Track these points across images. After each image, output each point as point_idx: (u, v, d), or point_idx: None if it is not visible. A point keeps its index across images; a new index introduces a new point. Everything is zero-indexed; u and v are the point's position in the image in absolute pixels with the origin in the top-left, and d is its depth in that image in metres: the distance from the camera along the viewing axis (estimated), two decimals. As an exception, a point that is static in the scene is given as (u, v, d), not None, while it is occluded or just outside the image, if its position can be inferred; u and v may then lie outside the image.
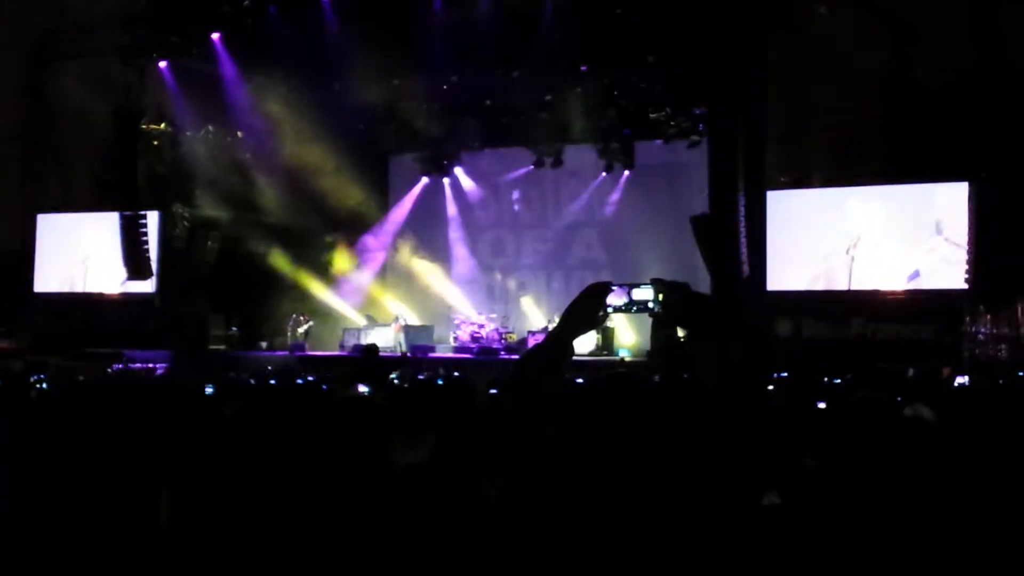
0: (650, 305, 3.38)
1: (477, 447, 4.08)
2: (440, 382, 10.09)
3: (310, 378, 9.44)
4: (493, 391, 8.09)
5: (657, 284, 3.33)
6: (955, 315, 17.21)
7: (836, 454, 3.86)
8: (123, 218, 20.86)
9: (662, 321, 3.38)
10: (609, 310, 3.37)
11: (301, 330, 21.62)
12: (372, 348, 13.84)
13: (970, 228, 17.53)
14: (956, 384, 8.40)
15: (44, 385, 8.30)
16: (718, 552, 2.77)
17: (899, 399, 6.89)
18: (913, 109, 17.58)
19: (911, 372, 10.43)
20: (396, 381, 9.94)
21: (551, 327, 19.70)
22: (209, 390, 8.15)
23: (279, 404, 6.87)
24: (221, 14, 20.07)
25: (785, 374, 11.06)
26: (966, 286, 17.44)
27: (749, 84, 17.89)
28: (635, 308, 3.42)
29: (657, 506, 2.86)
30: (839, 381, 9.60)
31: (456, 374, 11.60)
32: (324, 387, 9.51)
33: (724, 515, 2.96)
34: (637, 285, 3.38)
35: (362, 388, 8.75)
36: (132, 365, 16.01)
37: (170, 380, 10.93)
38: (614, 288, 3.36)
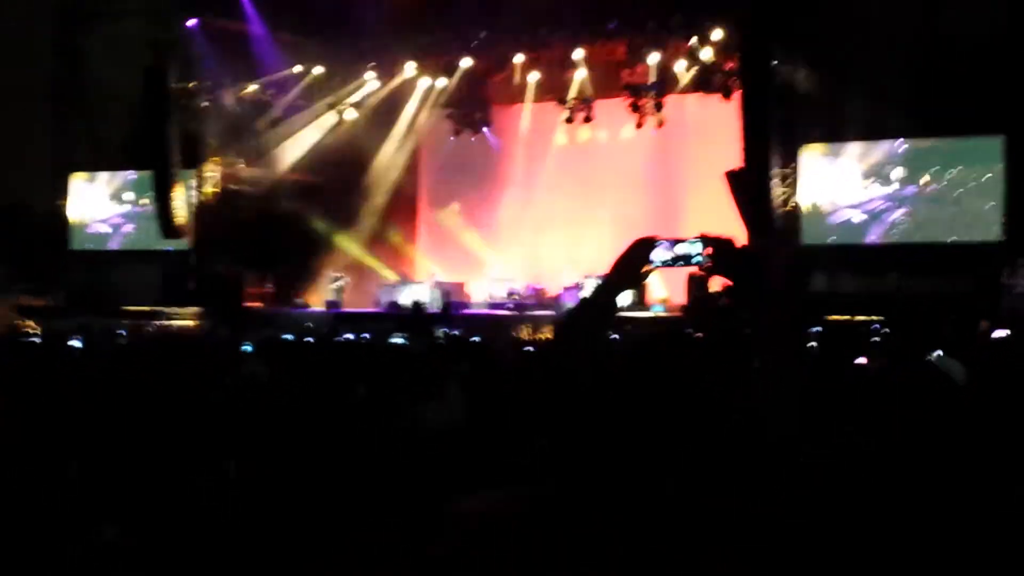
0: (697, 259, 3.37)
1: (512, 407, 4.11)
2: (475, 339, 10.17)
3: (349, 336, 9.52)
4: (527, 348, 8.13)
5: (704, 239, 3.31)
6: (992, 268, 17.05)
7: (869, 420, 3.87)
8: (156, 177, 20.98)
9: (708, 274, 3.37)
10: (655, 265, 3.36)
11: (336, 286, 21.72)
12: (418, 305, 13.92)
13: (1006, 181, 17.39)
14: (994, 337, 8.31)
15: (79, 344, 8.40)
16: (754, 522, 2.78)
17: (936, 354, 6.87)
18: (947, 63, 17.33)
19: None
20: (438, 335, 10.01)
21: (584, 283, 19.81)
22: (248, 348, 8.25)
23: (320, 361, 6.95)
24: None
25: (819, 328, 11.05)
26: (1003, 238, 17.31)
27: (782, 39, 17.72)
28: (680, 262, 3.41)
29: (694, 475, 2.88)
30: (876, 338, 9.57)
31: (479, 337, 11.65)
32: (365, 340, 9.58)
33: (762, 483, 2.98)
34: (682, 240, 3.37)
35: (397, 339, 8.81)
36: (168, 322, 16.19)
37: (208, 338, 11.06)
38: (659, 243, 3.34)
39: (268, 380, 5.28)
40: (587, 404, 3.22)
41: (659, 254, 3.39)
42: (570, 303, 19.77)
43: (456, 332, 12.23)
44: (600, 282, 3.29)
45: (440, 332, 10.70)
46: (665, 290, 19.93)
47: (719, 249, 3.24)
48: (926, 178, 18.14)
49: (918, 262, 17.88)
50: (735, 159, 18.65)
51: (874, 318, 14.53)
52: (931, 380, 3.88)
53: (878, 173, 18.54)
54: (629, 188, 22.49)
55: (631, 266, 3.26)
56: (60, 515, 3.34)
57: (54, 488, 3.38)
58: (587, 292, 19.70)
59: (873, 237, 18.55)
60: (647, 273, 3.35)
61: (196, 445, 3.76)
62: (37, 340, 9.01)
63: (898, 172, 18.41)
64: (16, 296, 19.57)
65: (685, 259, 3.38)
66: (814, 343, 8.72)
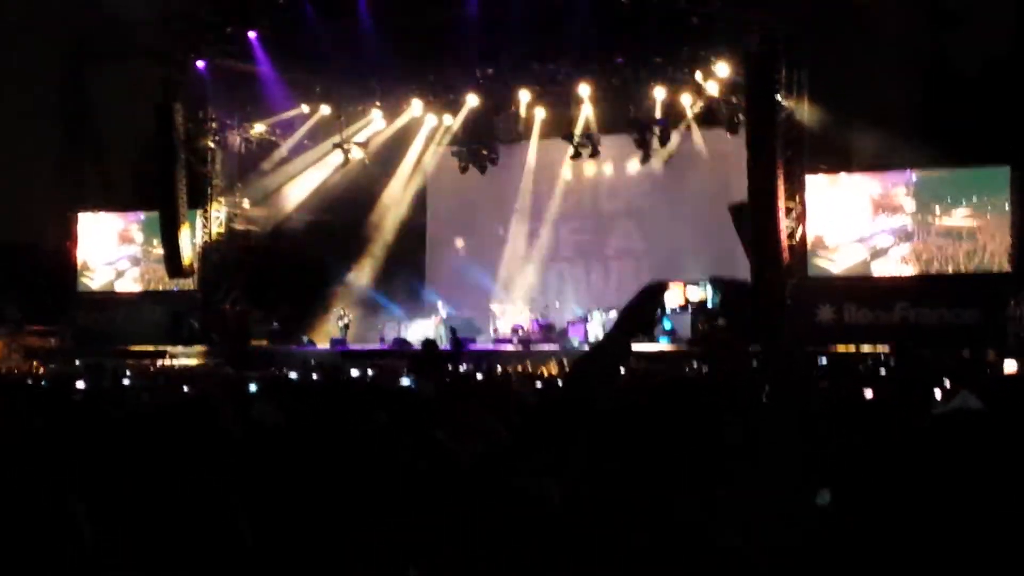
0: (709, 305, 3.37)
1: (529, 445, 4.09)
2: (480, 376, 10.17)
3: (354, 372, 9.50)
4: (539, 385, 8.12)
5: (717, 283, 3.31)
6: (999, 298, 17.03)
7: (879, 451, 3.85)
8: (163, 216, 21.05)
9: (720, 317, 3.39)
10: (667, 311, 3.36)
11: (341, 324, 21.73)
12: (430, 342, 13.90)
13: (1012, 211, 17.40)
14: (1005, 372, 8.26)
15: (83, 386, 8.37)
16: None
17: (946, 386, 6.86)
18: (953, 94, 17.39)
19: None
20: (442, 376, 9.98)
21: (590, 316, 19.80)
22: (252, 388, 8.23)
23: (327, 403, 6.92)
24: (258, 12, 20.21)
25: (824, 360, 11.05)
26: (1009, 268, 17.30)
27: (787, 72, 17.81)
28: (691, 307, 3.41)
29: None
30: (883, 371, 9.55)
31: (498, 367, 11.66)
32: (369, 379, 9.57)
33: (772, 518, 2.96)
34: (695, 283, 3.37)
35: (405, 381, 8.79)
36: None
37: (215, 379, 11.03)
38: (672, 287, 3.34)
39: (279, 424, 5.24)
40: (601, 444, 3.22)
41: (670, 298, 3.39)
42: (576, 337, 19.76)
43: (464, 369, 12.24)
44: (612, 327, 3.28)
45: (443, 369, 10.69)
46: (670, 321, 19.91)
47: (731, 292, 3.24)
48: (934, 208, 18.13)
49: (925, 293, 17.85)
50: (740, 192, 18.68)
51: (879, 349, 14.54)
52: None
53: (884, 205, 18.53)
54: (635, 222, 22.52)
55: (643, 311, 3.25)
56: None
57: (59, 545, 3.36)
58: (593, 326, 19.67)
59: (880, 269, 18.52)
60: (660, 318, 3.35)
61: (206, 501, 3.72)
62: (43, 384, 9.03)
63: (904, 203, 18.41)
64: (23, 337, 19.62)
65: (697, 304, 3.37)
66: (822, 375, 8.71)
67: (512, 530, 2.90)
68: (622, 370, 3.34)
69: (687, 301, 13.08)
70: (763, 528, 2.95)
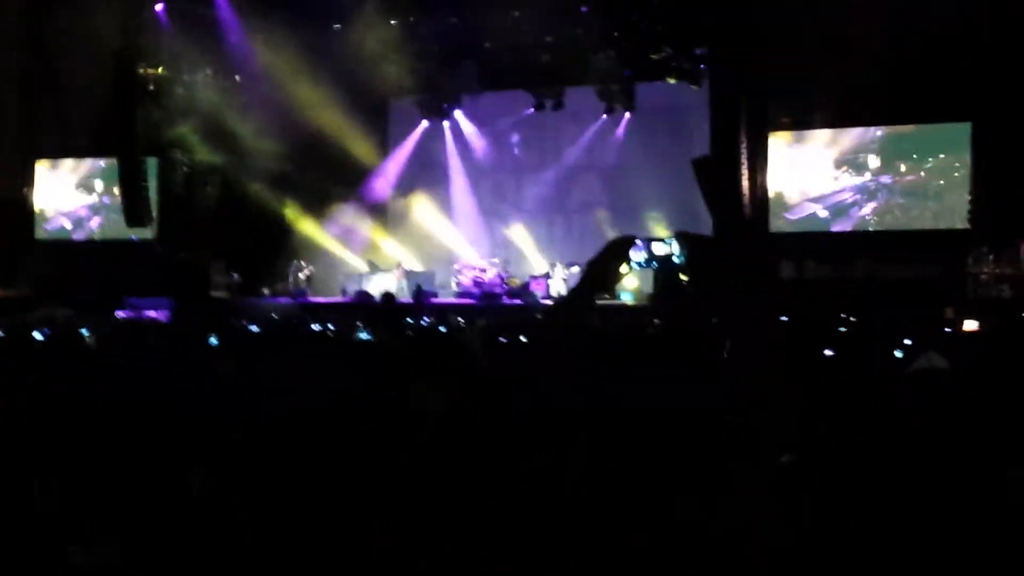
0: (675, 260, 3.35)
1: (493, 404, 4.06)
2: (443, 329, 10.11)
3: (315, 326, 9.43)
4: (501, 339, 8.05)
5: (682, 238, 3.29)
6: (958, 255, 17.18)
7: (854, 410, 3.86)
8: (122, 164, 20.75)
9: (685, 273, 3.38)
10: (632, 267, 3.34)
11: (302, 276, 21.59)
12: (389, 295, 13.84)
13: (973, 167, 17.53)
14: (965, 328, 8.28)
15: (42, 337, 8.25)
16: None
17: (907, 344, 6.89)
18: (914, 50, 17.40)
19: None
20: (402, 329, 9.93)
21: (552, 272, 19.79)
22: (213, 341, 8.15)
23: (286, 354, 6.88)
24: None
25: (786, 318, 11.05)
26: (968, 226, 17.45)
27: (750, 25, 17.73)
28: (656, 262, 3.40)
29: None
30: (843, 328, 9.57)
31: (460, 320, 11.61)
32: (329, 333, 9.49)
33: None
34: (660, 239, 3.36)
35: (364, 335, 8.72)
36: (136, 313, 16.01)
37: (174, 329, 10.92)
38: (637, 243, 3.32)
39: (236, 378, 5.20)
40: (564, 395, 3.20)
41: (635, 255, 3.37)
42: (539, 292, 19.77)
43: (425, 322, 12.18)
44: (576, 283, 3.26)
45: (410, 323, 10.63)
46: (636, 279, 19.97)
47: (696, 248, 3.23)
48: (899, 167, 18.23)
49: (886, 249, 17.98)
50: (704, 147, 18.68)
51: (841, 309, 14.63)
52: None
53: (846, 161, 18.63)
54: (598, 175, 22.51)
55: (608, 267, 3.23)
56: (23, 536, 3.26)
57: (15, 506, 3.30)
58: (555, 281, 19.62)
59: (841, 225, 18.63)
60: (624, 274, 3.33)
61: (166, 455, 3.68)
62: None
63: (866, 160, 18.50)
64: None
65: (662, 259, 3.35)
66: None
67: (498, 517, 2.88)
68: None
69: (652, 256, 13.05)
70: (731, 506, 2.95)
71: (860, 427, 3.62)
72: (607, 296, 19.19)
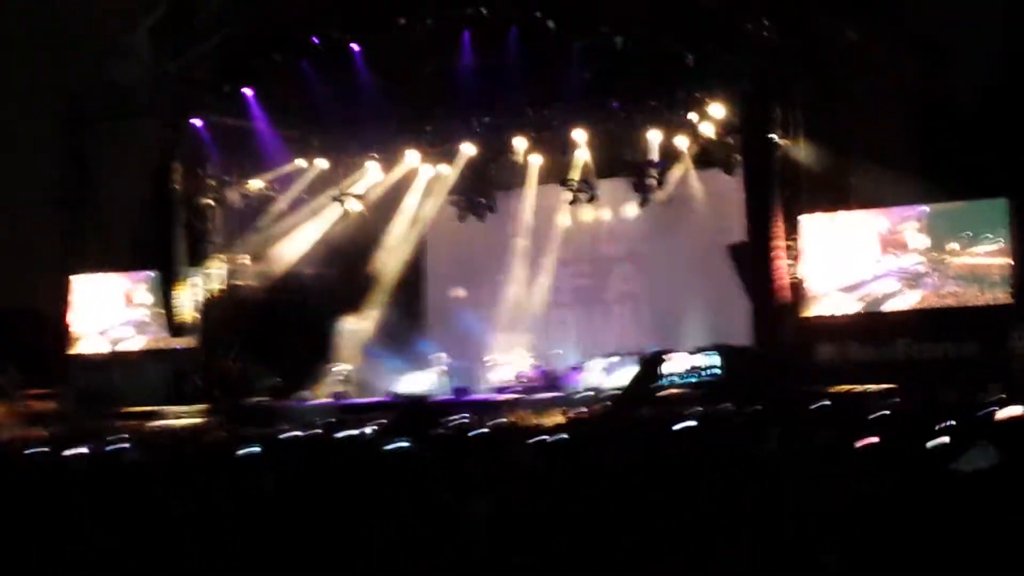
0: (717, 372, 3.36)
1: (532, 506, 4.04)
2: (485, 430, 10.08)
3: (352, 432, 9.44)
4: (542, 438, 8.00)
5: (721, 349, 3.30)
6: (1001, 331, 16.94)
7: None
8: (162, 276, 21.10)
9: (724, 385, 3.41)
10: (666, 382, 3.36)
11: (341, 378, 21.64)
12: (418, 398, 13.80)
13: (1012, 243, 17.33)
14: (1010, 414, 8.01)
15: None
16: None
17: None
18: (947, 129, 17.40)
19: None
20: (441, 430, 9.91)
21: (588, 364, 19.73)
22: (256, 450, 8.20)
23: (319, 465, 6.87)
24: (253, 70, 20.34)
25: (828, 402, 10.93)
26: (1011, 300, 17.22)
27: (782, 112, 17.88)
28: (695, 375, 3.41)
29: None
30: (886, 412, 9.43)
31: (502, 420, 11.57)
32: (364, 440, 9.47)
33: None
34: (702, 350, 3.39)
35: (402, 443, 8.68)
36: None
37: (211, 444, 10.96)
38: (668, 356, 3.34)
39: (273, 492, 5.21)
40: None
41: (674, 366, 3.40)
42: (572, 385, 19.70)
43: (466, 419, 12.15)
44: (614, 403, 3.29)
45: (443, 422, 10.60)
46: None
47: (737, 361, 3.24)
48: (947, 245, 17.92)
49: (927, 328, 17.74)
50: (739, 233, 18.70)
51: (883, 387, 14.47)
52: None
53: (882, 241, 18.45)
54: (634, 265, 22.50)
55: (640, 387, 3.27)
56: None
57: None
58: (588, 374, 19.55)
59: (880, 304, 18.42)
60: (659, 389, 3.35)
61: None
62: (45, 449, 8.98)
63: (902, 239, 18.32)
64: (23, 402, 19.54)
65: (700, 371, 3.36)
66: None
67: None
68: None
69: (693, 368, 13.07)
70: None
71: (903, 526, 3.56)
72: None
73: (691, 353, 14.65)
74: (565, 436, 7.53)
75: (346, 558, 3.96)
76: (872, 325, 18.21)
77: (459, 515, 4.49)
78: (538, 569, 3.27)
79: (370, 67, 19.65)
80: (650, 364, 3.47)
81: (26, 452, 8.67)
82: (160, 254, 21.23)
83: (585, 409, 14.11)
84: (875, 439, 6.52)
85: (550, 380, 20.64)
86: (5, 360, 21.22)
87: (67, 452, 7.87)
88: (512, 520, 4.13)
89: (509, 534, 3.93)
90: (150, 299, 23.11)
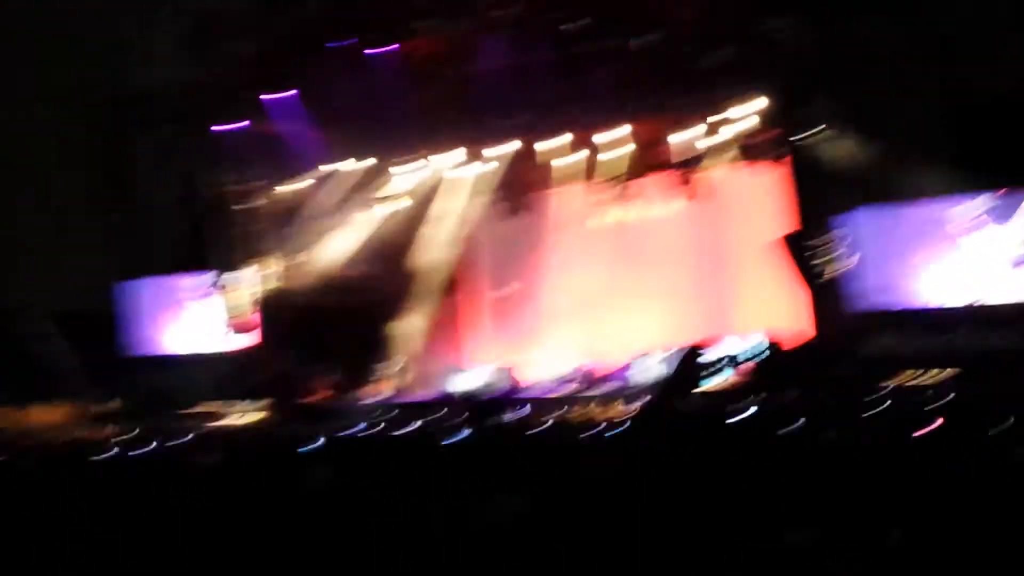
0: (764, 353, 3.37)
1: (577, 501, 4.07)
2: (542, 426, 10.16)
3: (411, 427, 9.55)
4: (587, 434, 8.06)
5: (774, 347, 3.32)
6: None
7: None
8: (215, 278, 21.43)
9: (763, 372, 3.44)
10: (712, 372, 3.38)
11: (397, 375, 21.79)
12: (469, 394, 13.93)
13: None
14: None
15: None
16: None
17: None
18: (980, 119, 17.13)
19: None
20: (500, 425, 9.98)
21: (633, 362, 19.75)
22: (320, 443, 8.36)
23: (379, 461, 6.96)
24: (289, 74, 20.49)
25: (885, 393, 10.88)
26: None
27: (826, 106, 17.81)
28: (731, 362, 3.43)
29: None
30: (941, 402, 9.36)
31: (556, 415, 11.64)
32: (426, 434, 9.58)
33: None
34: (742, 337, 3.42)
35: (459, 438, 8.78)
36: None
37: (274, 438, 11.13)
38: (702, 352, 3.36)
39: (334, 486, 5.29)
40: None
41: (720, 351, 3.42)
42: (619, 382, 19.74)
43: (518, 416, 12.25)
44: (652, 397, 3.34)
45: (502, 418, 10.67)
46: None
47: (780, 350, 3.26)
48: (986, 231, 17.83)
49: (987, 315, 17.53)
50: (780, 228, 18.64)
51: (941, 378, 14.34)
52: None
53: (933, 232, 18.30)
54: (672, 263, 22.39)
55: (680, 381, 3.31)
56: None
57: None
58: (634, 371, 19.56)
59: (935, 295, 18.26)
60: (698, 382, 3.38)
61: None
62: (116, 450, 9.17)
63: (955, 229, 18.16)
64: (86, 405, 19.87)
65: (736, 360, 3.37)
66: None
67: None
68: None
69: (731, 356, 13.03)
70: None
71: (966, 510, 3.56)
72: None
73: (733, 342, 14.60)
74: (620, 430, 7.57)
75: (381, 553, 4.02)
76: (930, 317, 18.04)
77: (489, 511, 4.53)
78: (567, 566, 3.31)
79: (407, 68, 19.75)
80: (689, 356, 3.48)
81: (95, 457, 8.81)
82: (209, 257, 21.52)
83: (639, 404, 14.15)
84: (937, 423, 6.48)
85: (601, 376, 20.68)
86: (67, 364, 21.63)
87: (134, 452, 8.03)
88: (545, 518, 4.16)
89: (540, 531, 3.97)
90: (207, 301, 23.43)
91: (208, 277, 22.21)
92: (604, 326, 22.51)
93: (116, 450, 8.47)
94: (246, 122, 21.15)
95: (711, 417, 8.60)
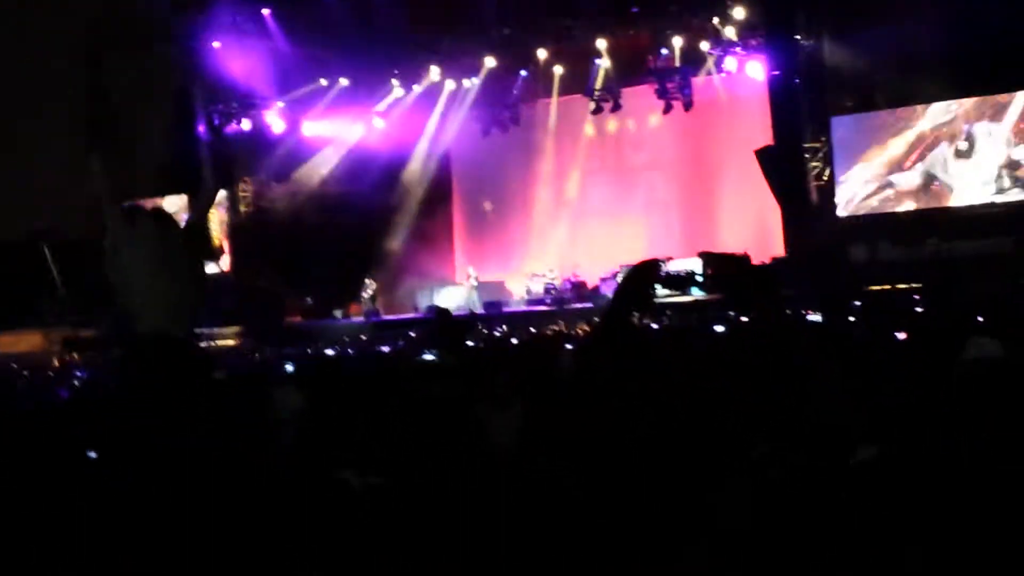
0: (697, 278, 3.32)
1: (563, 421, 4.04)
2: (515, 341, 10.13)
3: (383, 348, 9.51)
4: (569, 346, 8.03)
5: (706, 257, 3.26)
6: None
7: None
8: (189, 200, 21.16)
9: (710, 294, 3.40)
10: (658, 294, 3.31)
11: (368, 295, 21.70)
12: (443, 312, 13.84)
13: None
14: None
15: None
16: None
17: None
18: (975, 25, 16.99)
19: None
20: (470, 344, 9.94)
21: (620, 271, 19.70)
22: (288, 368, 8.29)
23: (353, 388, 6.90)
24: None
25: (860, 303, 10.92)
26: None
27: (807, 13, 17.63)
28: (679, 286, 3.36)
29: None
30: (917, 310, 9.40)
31: (534, 332, 11.61)
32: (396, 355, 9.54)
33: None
34: (684, 260, 3.36)
35: (428, 356, 8.72)
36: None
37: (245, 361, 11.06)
38: (663, 264, 3.30)
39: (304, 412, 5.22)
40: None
41: (681, 269, 3.36)
42: (608, 293, 19.71)
43: (498, 333, 12.23)
44: (607, 308, 3.26)
45: (475, 336, 10.64)
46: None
47: (719, 269, 3.19)
48: (959, 140, 17.87)
49: (957, 226, 17.61)
50: (765, 136, 18.52)
51: (914, 286, 14.41)
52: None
53: (911, 139, 18.29)
54: (661, 173, 22.38)
55: (636, 291, 3.22)
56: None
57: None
58: (611, 287, 19.48)
59: (909, 203, 18.30)
60: (653, 296, 3.30)
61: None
62: (81, 375, 9.09)
63: (931, 136, 18.15)
64: (64, 329, 19.73)
65: (683, 283, 3.30)
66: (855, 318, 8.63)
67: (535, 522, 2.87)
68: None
69: (676, 277, 13.01)
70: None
71: (935, 419, 3.55)
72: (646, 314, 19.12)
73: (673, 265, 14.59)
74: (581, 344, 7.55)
75: (371, 470, 3.97)
76: (903, 224, 18.11)
77: (485, 428, 4.51)
78: (569, 476, 3.27)
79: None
80: (646, 271, 3.40)
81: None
82: (187, 179, 21.25)
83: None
84: (903, 335, 6.52)
85: (581, 291, 20.71)
86: (39, 287, 21.45)
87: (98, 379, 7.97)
88: (542, 430, 4.13)
89: (537, 444, 3.93)
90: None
91: (178, 200, 21.96)
92: (587, 239, 22.53)
93: (82, 375, 8.41)
94: (229, 40, 20.86)
95: (673, 331, 8.61)
